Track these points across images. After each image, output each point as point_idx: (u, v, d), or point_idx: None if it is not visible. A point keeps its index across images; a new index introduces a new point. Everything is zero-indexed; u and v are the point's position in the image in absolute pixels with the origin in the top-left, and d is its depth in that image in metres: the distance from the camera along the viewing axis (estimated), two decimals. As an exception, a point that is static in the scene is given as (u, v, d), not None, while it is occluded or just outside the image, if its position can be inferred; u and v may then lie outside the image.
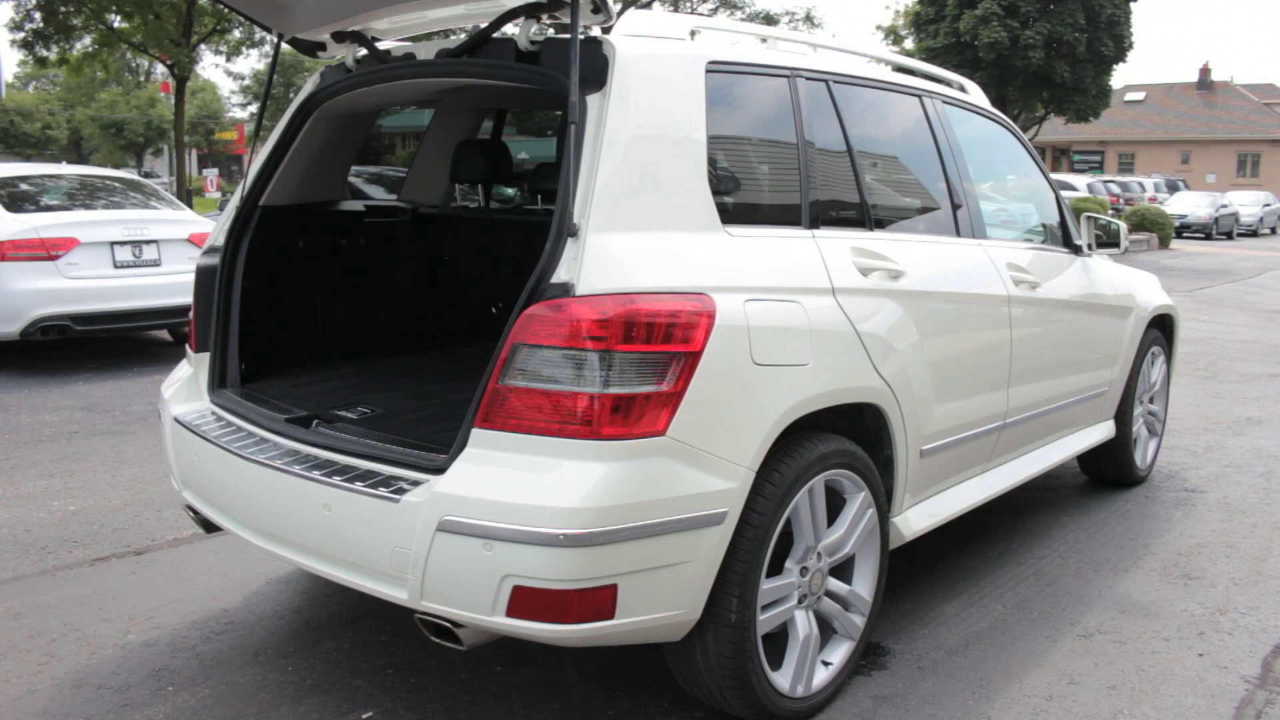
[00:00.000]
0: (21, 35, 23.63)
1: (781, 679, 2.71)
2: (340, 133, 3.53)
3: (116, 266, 7.57)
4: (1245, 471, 5.31)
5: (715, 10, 30.95)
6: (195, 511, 3.05)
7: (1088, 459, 4.85)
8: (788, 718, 2.74)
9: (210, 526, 3.04)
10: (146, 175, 31.76)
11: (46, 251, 7.25)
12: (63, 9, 22.28)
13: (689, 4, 30.51)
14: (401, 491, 2.38)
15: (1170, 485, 5.09)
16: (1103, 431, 4.66)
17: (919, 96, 3.61)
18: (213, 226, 3.48)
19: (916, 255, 3.25)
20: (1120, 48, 30.80)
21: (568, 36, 2.46)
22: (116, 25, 23.37)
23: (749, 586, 2.53)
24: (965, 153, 3.72)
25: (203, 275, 3.26)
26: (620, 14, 2.59)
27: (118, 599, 3.55)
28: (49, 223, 7.40)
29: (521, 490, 2.25)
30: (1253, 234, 32.56)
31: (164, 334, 8.98)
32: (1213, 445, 5.85)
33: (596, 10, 2.45)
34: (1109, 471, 4.97)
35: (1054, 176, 9.58)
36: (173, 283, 7.62)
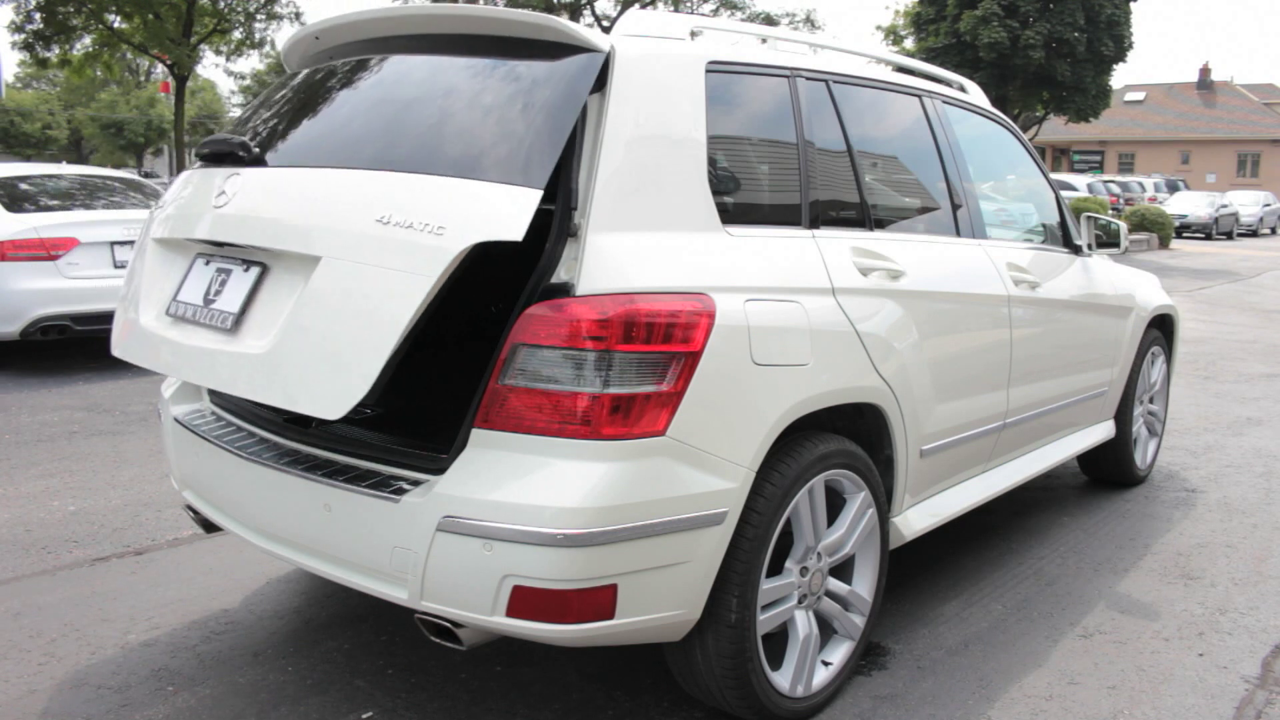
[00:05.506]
0: (22, 36, 23.60)
1: (781, 679, 2.71)
2: None
3: (117, 266, 7.56)
4: (1245, 471, 5.31)
5: (716, 11, 30.95)
6: (195, 511, 3.05)
7: (1088, 459, 4.86)
8: (788, 718, 2.74)
9: (210, 526, 3.04)
10: (147, 175, 31.76)
11: (46, 251, 7.25)
12: (62, 10, 22.27)
13: (689, 4, 30.49)
14: (401, 491, 2.38)
15: (1170, 485, 5.09)
16: (1103, 431, 4.67)
17: (919, 96, 3.61)
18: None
19: (916, 255, 3.25)
20: (1120, 48, 30.79)
21: None
22: (117, 26, 23.36)
23: (749, 586, 2.53)
24: (965, 153, 3.72)
25: None
26: (620, 14, 2.59)
27: (118, 599, 3.55)
28: (49, 223, 7.40)
29: (521, 490, 2.25)
30: (1253, 234, 32.58)
31: (164, 334, 8.97)
32: (1213, 445, 5.85)
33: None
34: (1109, 471, 4.97)
35: (1054, 176, 9.58)
36: (173, 283, 7.61)
